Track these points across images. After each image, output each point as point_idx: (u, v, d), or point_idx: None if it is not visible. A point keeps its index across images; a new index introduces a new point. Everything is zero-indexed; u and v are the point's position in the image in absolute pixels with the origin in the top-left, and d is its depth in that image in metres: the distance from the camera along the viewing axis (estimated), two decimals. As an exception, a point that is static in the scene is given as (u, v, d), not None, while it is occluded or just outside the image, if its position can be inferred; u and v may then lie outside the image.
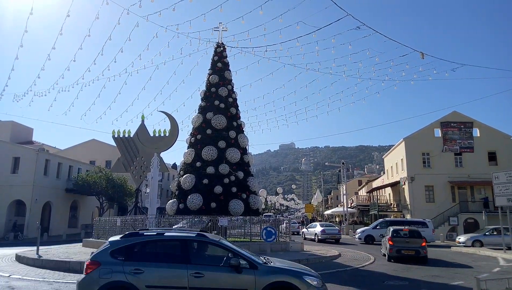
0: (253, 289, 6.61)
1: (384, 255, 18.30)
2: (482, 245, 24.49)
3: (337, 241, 29.11)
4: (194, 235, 7.41)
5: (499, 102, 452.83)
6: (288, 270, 7.09)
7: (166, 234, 7.48)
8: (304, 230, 33.75)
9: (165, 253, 7.23)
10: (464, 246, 24.59)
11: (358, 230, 30.43)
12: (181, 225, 18.85)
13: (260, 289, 6.59)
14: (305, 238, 30.43)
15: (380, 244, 21.63)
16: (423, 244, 16.95)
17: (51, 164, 37.80)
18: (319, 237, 28.93)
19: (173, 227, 17.30)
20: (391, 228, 18.74)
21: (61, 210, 39.20)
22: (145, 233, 7.39)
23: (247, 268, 6.77)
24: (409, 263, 15.94)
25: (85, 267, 6.85)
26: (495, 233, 25.10)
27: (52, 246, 21.76)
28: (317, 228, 30.29)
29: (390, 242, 17.11)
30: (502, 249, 20.64)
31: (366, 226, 34.78)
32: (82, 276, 6.79)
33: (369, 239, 28.56)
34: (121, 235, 7.44)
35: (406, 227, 19.21)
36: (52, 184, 37.73)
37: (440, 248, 24.61)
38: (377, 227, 29.54)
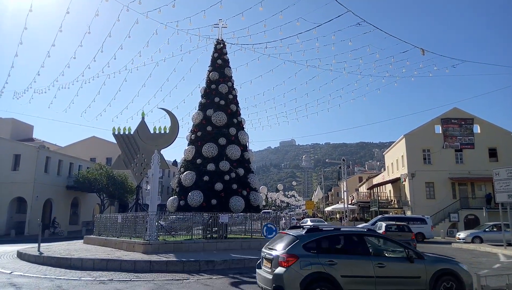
0: (424, 276, 7.73)
1: None
2: (482, 241, 24.57)
3: None
4: (365, 230, 8.97)
5: (500, 99, 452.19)
6: (448, 260, 8.60)
7: (343, 229, 8.69)
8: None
9: (348, 246, 8.11)
10: (464, 243, 24.64)
11: (358, 226, 30.45)
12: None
13: (430, 275, 7.72)
14: None
15: None
16: (413, 237, 19.80)
17: (51, 161, 37.85)
18: None
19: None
20: (384, 223, 22.16)
21: (62, 207, 39.29)
22: (323, 229, 8.42)
23: (417, 258, 7.91)
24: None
25: (282, 260, 7.50)
26: (495, 229, 25.16)
27: (53, 243, 21.82)
28: (308, 223, 30.54)
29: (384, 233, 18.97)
30: (502, 245, 20.67)
31: (366, 222, 34.85)
32: (281, 268, 7.42)
33: None
34: (304, 231, 8.16)
35: (397, 223, 22.49)
36: (53, 181, 37.79)
37: (440, 245, 24.64)
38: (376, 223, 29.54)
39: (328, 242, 8.05)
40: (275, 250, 7.94)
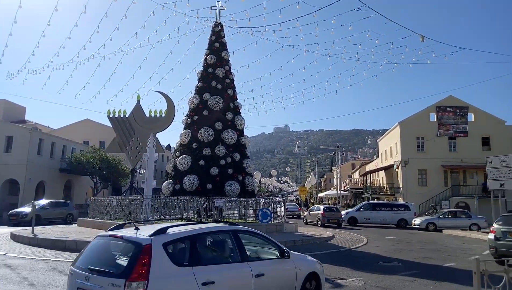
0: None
1: (314, 224, 27.44)
2: (435, 227, 25.73)
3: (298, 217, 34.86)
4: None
5: (496, 87, 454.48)
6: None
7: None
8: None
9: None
10: (419, 229, 25.94)
11: (342, 212, 30.60)
12: None
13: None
14: None
15: (364, 226, 27.75)
16: (341, 216, 27.51)
17: (44, 143, 37.50)
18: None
19: None
20: (322, 206, 30.05)
21: (54, 189, 39.09)
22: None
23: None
24: (402, 246, 16.21)
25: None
26: (449, 216, 26.77)
27: (46, 226, 21.77)
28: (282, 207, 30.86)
29: (323, 214, 26.92)
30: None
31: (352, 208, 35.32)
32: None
33: (352, 221, 29.21)
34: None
35: (331, 205, 32.46)
36: (46, 164, 37.52)
37: (431, 232, 25.00)
38: (361, 209, 30.27)
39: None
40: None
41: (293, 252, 6.33)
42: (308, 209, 34.77)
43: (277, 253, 5.98)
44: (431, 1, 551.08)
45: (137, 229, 4.95)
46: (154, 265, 4.35)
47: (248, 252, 5.56)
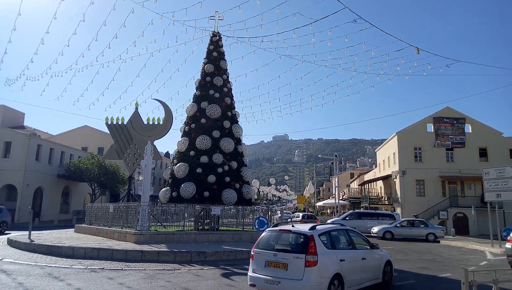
0: None
1: None
2: (393, 236, 26.06)
3: None
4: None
5: (492, 99, 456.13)
6: None
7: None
8: None
9: None
10: (377, 237, 25.77)
11: (329, 221, 30.60)
12: None
13: None
14: None
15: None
16: (318, 222, 24.06)
17: (43, 149, 37.54)
18: None
19: None
20: (301, 213, 33.51)
21: (52, 195, 39.06)
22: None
23: None
24: (397, 255, 16.21)
25: None
26: (407, 225, 27.20)
27: (43, 231, 21.74)
28: (278, 216, 31.84)
29: (301, 221, 29.54)
30: (489, 243, 21.03)
31: (338, 217, 35.60)
32: None
33: None
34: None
35: (308, 213, 34.10)
36: (44, 170, 37.52)
37: (429, 242, 24.98)
38: (347, 218, 30.34)
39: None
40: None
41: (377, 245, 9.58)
42: (291, 216, 35.59)
43: (369, 246, 9.16)
44: (426, 12, 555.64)
45: (293, 226, 8.27)
46: (317, 247, 7.31)
47: (355, 244, 8.72)
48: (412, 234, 26.05)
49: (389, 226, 27.19)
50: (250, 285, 7.71)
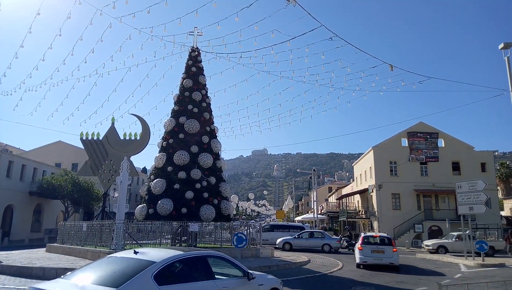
0: None
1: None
2: (291, 247, 26.86)
3: None
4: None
5: (464, 114, 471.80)
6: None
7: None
8: None
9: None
10: (280, 250, 26.38)
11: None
12: None
13: None
14: None
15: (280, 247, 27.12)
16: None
17: (14, 165, 36.32)
18: None
19: None
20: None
21: (23, 213, 37.65)
22: None
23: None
24: (375, 270, 16.32)
25: None
26: (306, 236, 27.88)
27: (13, 251, 20.86)
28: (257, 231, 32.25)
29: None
30: (463, 256, 21.46)
31: (336, 232, 35.85)
32: None
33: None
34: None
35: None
36: (15, 187, 36.23)
37: (405, 255, 25.30)
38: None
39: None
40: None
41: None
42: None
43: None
44: (402, 31, 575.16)
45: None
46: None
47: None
48: (309, 245, 27.12)
49: (289, 237, 28.13)
50: None
